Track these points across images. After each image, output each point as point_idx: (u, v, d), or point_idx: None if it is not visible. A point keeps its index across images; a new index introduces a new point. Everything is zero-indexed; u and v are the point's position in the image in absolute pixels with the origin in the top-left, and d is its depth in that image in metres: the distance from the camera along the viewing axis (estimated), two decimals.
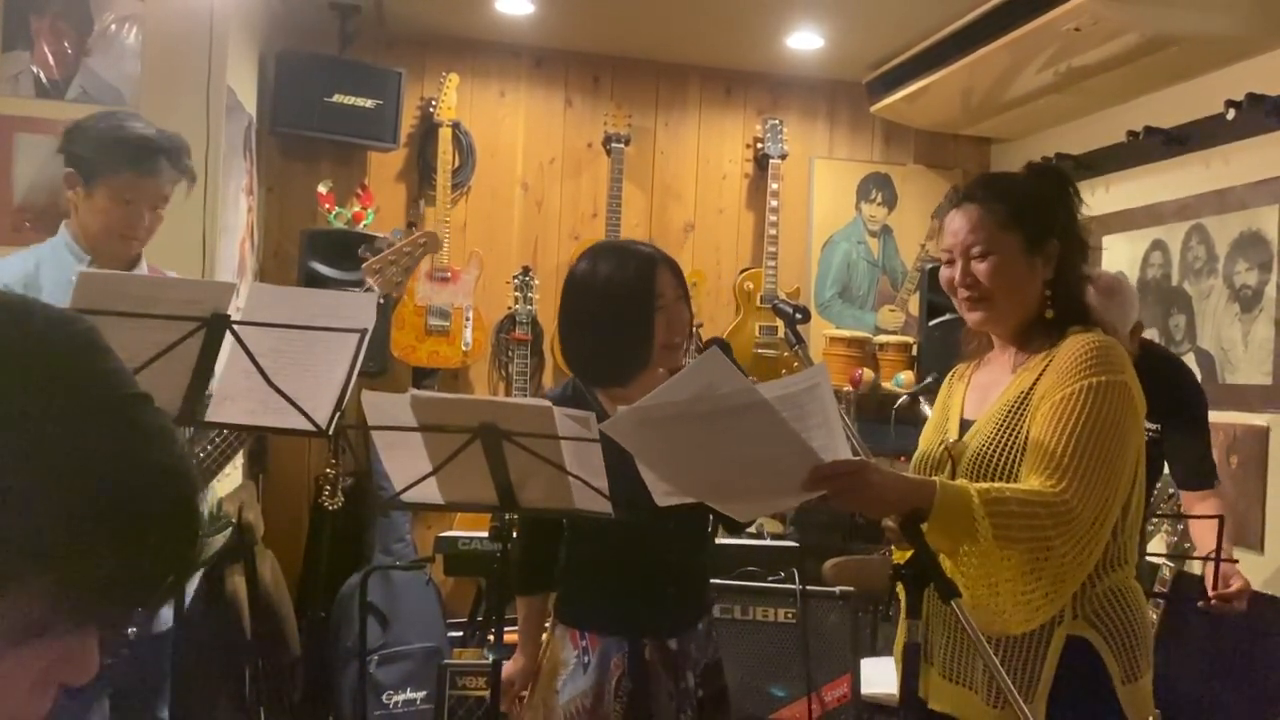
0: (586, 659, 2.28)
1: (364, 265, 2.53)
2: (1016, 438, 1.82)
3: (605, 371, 2.29)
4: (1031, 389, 1.85)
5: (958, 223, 1.93)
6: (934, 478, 1.76)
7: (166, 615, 2.45)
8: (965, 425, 1.96)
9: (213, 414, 2.03)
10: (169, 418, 0.67)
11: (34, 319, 0.65)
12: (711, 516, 2.51)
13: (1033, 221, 1.91)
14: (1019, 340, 1.95)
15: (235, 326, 1.94)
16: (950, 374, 2.13)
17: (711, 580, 3.04)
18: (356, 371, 2.03)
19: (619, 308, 2.22)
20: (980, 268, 1.90)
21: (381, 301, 2.34)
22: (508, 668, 2.38)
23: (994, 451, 1.83)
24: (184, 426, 2.00)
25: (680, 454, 1.72)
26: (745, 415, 1.60)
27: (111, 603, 0.64)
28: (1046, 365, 1.86)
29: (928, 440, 2.05)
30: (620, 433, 1.71)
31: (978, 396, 1.99)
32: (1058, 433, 1.76)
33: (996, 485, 1.74)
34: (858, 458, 1.73)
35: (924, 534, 1.65)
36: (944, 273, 1.97)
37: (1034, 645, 1.82)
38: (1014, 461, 1.81)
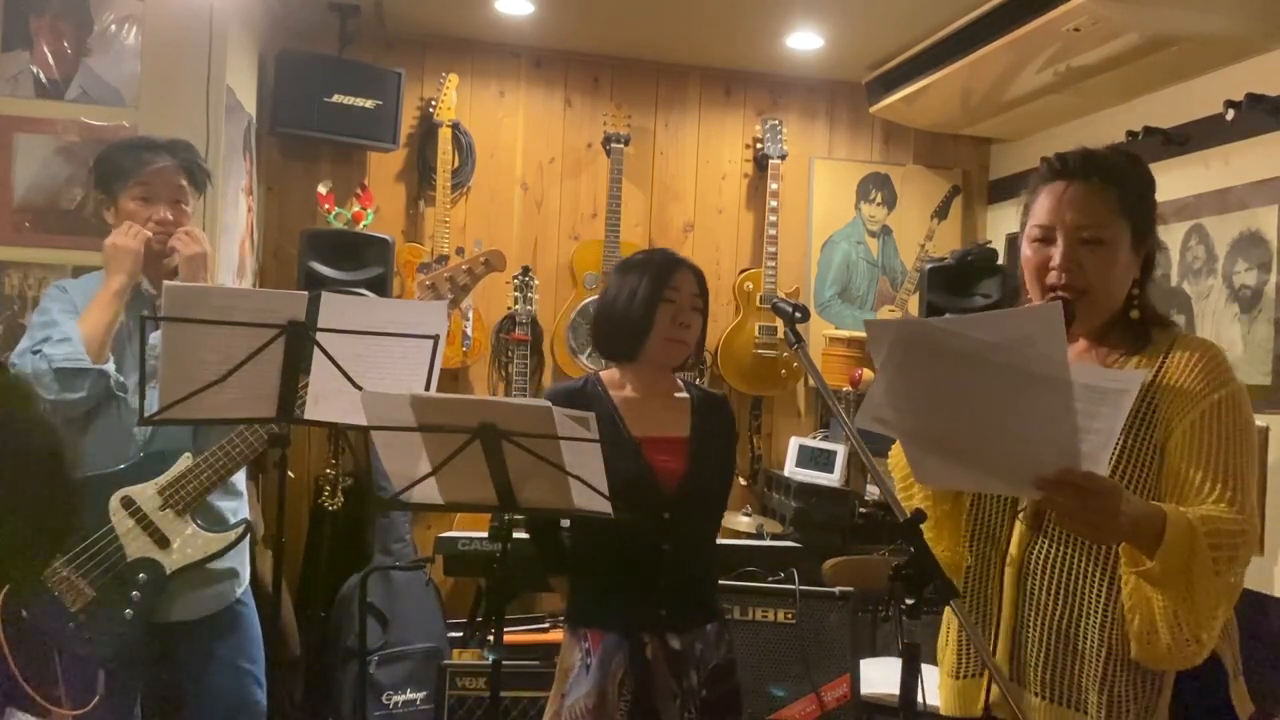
0: (589, 660, 2.28)
1: (417, 280, 2.67)
2: (1147, 444, 1.70)
3: (607, 346, 2.43)
4: (1152, 398, 1.70)
5: (1069, 198, 1.73)
6: (1162, 505, 1.61)
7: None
8: None
9: (309, 412, 2.22)
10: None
11: None
12: (713, 515, 2.51)
13: (1141, 213, 1.76)
14: (1096, 338, 1.79)
15: (314, 332, 2.12)
16: None
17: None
18: (437, 375, 2.20)
19: (635, 289, 2.36)
20: (1087, 255, 1.73)
21: None
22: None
23: (1128, 457, 1.70)
24: (283, 421, 2.21)
25: (926, 387, 1.51)
26: (1038, 386, 1.43)
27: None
28: (1159, 373, 1.72)
29: None
30: (882, 337, 1.52)
31: None
32: (1211, 453, 1.65)
33: (1205, 514, 1.60)
34: (1112, 480, 1.55)
35: (923, 534, 1.64)
36: (1037, 252, 1.76)
37: None
38: (1149, 468, 1.69)
